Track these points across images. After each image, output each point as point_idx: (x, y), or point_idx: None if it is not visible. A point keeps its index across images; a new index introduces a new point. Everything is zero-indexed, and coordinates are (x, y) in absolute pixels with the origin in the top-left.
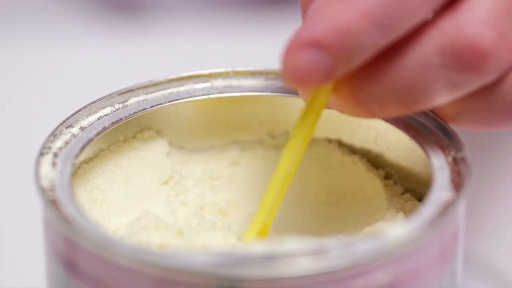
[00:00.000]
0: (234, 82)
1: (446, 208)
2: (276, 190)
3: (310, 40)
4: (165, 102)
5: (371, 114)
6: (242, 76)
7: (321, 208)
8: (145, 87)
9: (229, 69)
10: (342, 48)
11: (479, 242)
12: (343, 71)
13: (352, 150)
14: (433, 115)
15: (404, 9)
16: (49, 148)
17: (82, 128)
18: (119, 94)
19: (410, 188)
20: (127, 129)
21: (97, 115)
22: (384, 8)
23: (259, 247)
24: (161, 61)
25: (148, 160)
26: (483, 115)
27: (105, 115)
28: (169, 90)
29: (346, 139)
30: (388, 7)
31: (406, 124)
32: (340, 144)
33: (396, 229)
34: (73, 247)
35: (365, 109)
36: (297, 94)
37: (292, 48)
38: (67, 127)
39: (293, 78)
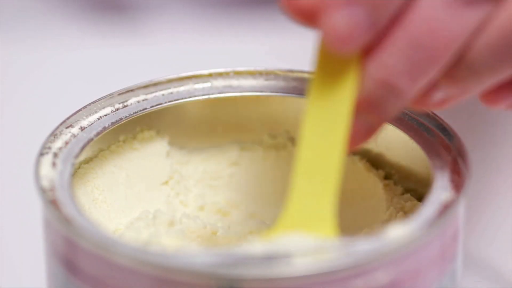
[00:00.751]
0: (234, 82)
1: (446, 208)
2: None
3: None
4: (165, 102)
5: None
6: (242, 76)
7: None
8: (145, 87)
9: (229, 69)
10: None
11: (479, 242)
12: (383, 24)
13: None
14: (433, 115)
15: None
16: (49, 148)
17: (82, 128)
18: (119, 94)
19: (410, 188)
20: (127, 129)
21: (97, 115)
22: None
23: (259, 247)
24: (161, 61)
25: (148, 160)
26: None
27: (105, 115)
28: (169, 90)
29: None
30: None
31: (406, 124)
32: None
33: (396, 229)
34: (73, 247)
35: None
36: (297, 94)
37: (331, 8)
38: (67, 127)
39: (336, 38)
